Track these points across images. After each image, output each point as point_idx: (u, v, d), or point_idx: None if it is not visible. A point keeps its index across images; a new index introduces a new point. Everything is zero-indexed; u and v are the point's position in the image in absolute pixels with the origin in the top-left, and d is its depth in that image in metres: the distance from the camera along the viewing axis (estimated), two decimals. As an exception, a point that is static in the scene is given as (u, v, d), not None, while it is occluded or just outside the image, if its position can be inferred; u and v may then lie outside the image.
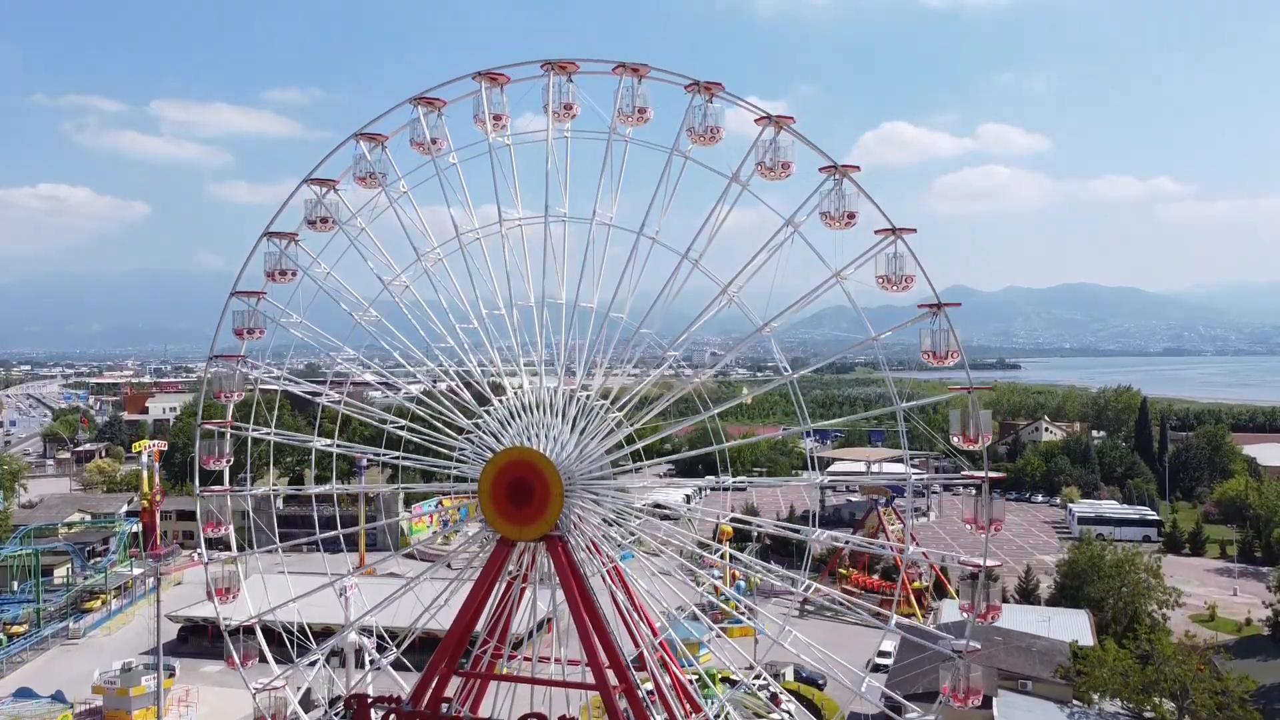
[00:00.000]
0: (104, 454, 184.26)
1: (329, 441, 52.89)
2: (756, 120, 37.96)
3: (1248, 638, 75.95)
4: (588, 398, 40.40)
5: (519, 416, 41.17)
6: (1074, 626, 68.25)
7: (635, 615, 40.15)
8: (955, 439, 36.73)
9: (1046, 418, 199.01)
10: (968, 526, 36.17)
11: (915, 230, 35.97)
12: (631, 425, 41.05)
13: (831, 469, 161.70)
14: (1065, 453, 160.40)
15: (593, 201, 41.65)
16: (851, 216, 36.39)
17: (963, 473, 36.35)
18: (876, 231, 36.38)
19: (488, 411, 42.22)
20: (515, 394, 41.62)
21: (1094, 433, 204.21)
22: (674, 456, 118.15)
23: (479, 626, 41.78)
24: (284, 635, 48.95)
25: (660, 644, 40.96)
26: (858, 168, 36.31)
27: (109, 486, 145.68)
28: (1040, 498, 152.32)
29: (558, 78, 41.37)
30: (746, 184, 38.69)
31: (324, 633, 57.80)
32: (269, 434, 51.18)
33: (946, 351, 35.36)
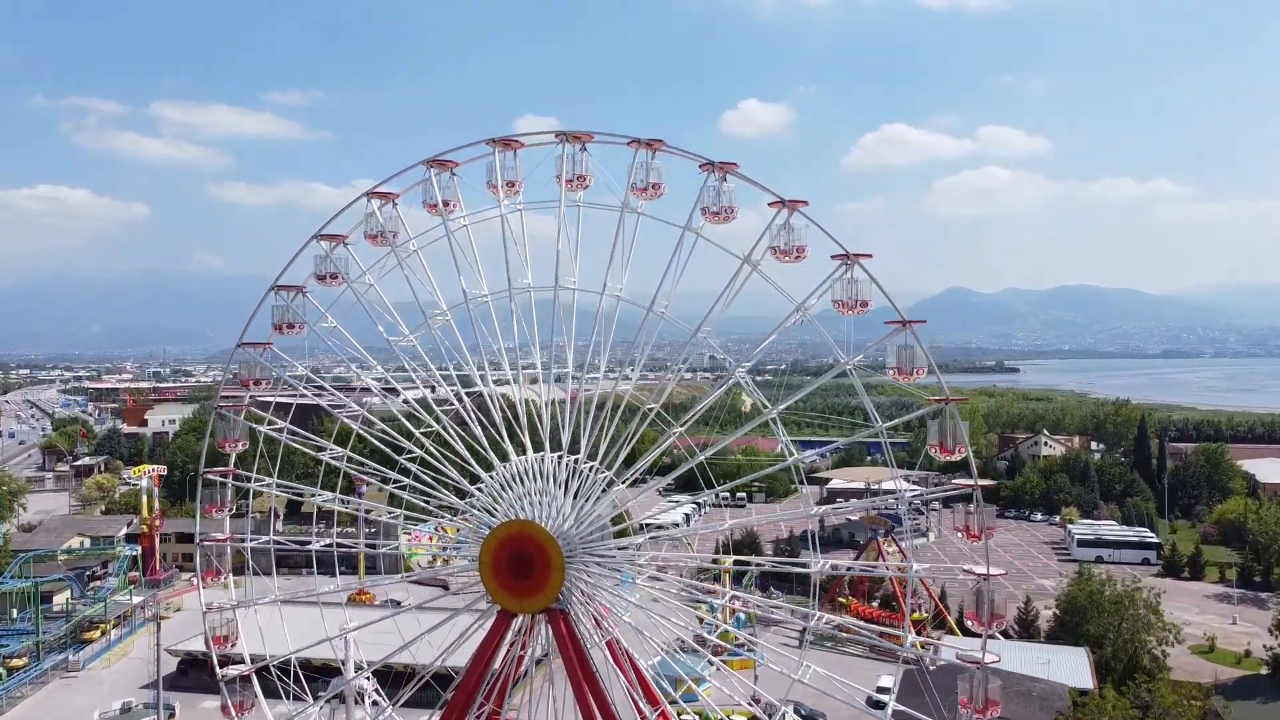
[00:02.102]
0: (103, 468, 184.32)
1: (330, 494, 53.37)
2: (770, 204, 38.05)
3: (1247, 677, 75.97)
4: (592, 469, 40.42)
5: (521, 482, 41.21)
6: (1073, 667, 68.23)
7: (637, 690, 40.08)
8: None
9: (1045, 431, 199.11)
10: (970, 623, 36.22)
11: (925, 321, 36.13)
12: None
13: (829, 486, 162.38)
14: (1064, 470, 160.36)
15: (601, 269, 42.04)
16: (865, 304, 36.54)
17: (965, 567, 36.31)
18: (887, 322, 36.50)
19: (492, 476, 42.30)
20: (517, 462, 41.64)
21: (1093, 444, 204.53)
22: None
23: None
24: (284, 674, 49.00)
25: (661, 714, 40.91)
26: (870, 255, 36.54)
27: (108, 505, 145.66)
28: (1039, 516, 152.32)
29: (571, 147, 41.45)
30: (757, 265, 38.83)
31: (324, 669, 58.05)
32: (271, 484, 51.47)
33: (955, 446, 35.44)
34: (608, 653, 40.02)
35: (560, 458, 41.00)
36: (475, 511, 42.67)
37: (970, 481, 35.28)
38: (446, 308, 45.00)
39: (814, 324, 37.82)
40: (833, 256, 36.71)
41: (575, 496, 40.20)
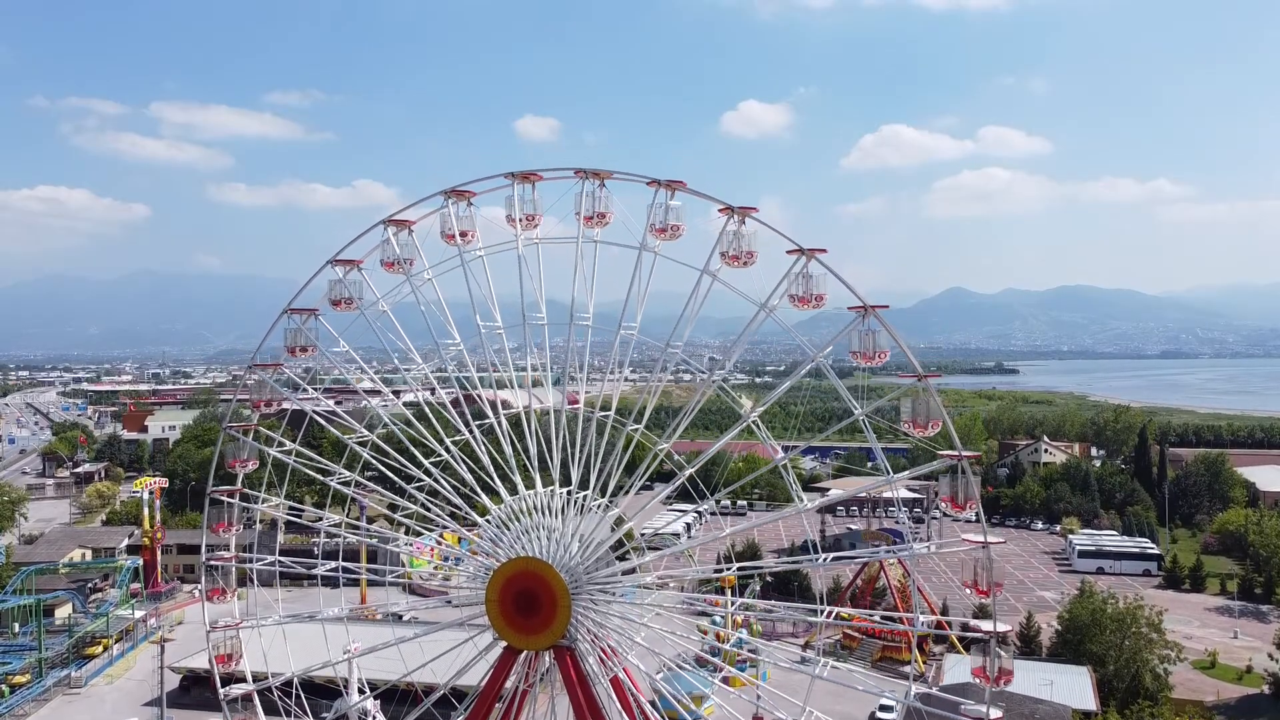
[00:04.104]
0: (103, 475, 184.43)
1: (337, 519, 53.72)
2: (789, 251, 38.04)
3: (1248, 697, 76.00)
4: (601, 506, 40.56)
5: (528, 516, 41.37)
6: (1076, 687, 68.16)
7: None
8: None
9: (1045, 438, 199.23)
10: (975, 678, 36.28)
11: (940, 375, 36.19)
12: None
13: (830, 494, 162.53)
14: (1065, 478, 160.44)
15: (610, 293, 42.33)
16: (883, 355, 36.64)
17: (971, 622, 36.45)
18: (903, 375, 36.54)
19: (499, 506, 42.48)
20: (525, 495, 41.80)
21: (1093, 450, 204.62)
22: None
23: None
24: (286, 694, 49.08)
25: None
26: (886, 305, 36.67)
27: (109, 514, 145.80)
28: (1040, 524, 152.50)
29: (591, 184, 41.66)
30: (772, 311, 38.96)
31: (327, 686, 58.16)
32: (278, 504, 51.75)
33: (965, 501, 35.51)
34: (613, 690, 40.03)
35: (569, 493, 41.14)
36: (481, 542, 42.77)
37: (980, 538, 35.18)
38: (459, 338, 45.28)
39: (827, 371, 37.89)
40: (850, 308, 36.73)
41: (580, 530, 40.26)
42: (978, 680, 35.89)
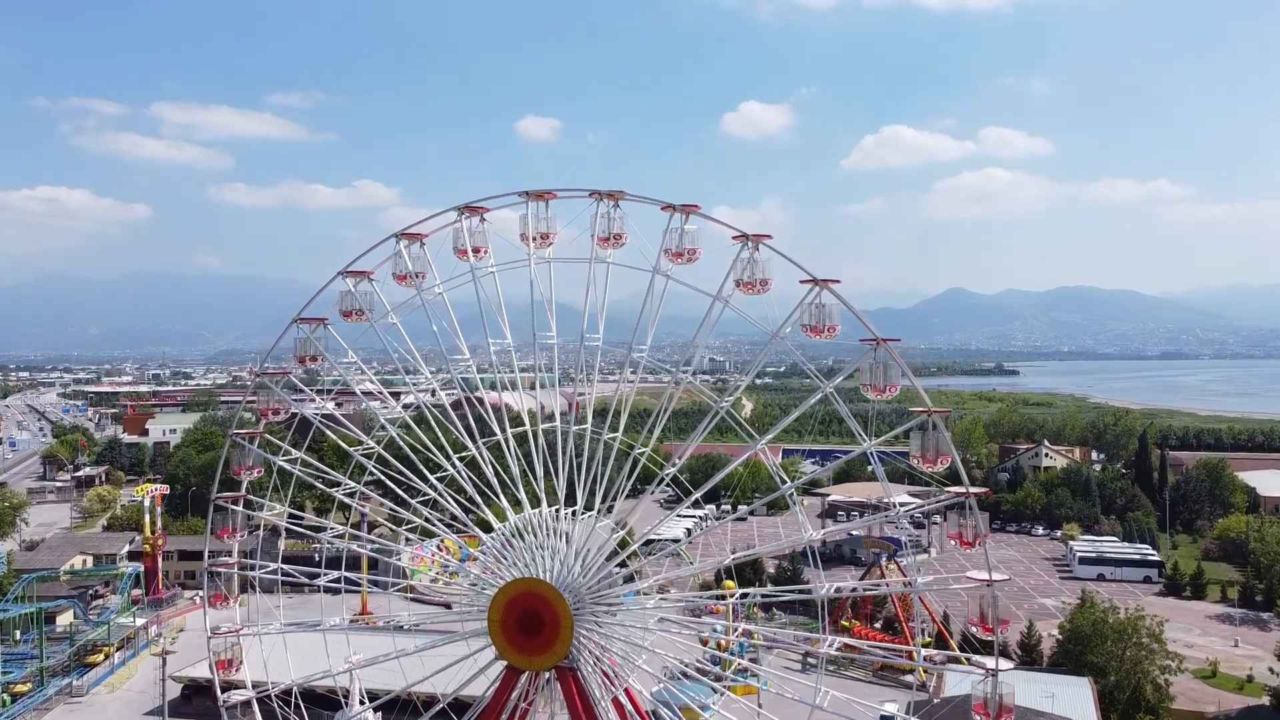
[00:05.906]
0: (104, 479, 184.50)
1: (340, 527, 53.83)
2: (801, 281, 38.07)
3: (1249, 708, 75.97)
4: (609, 528, 40.71)
5: (530, 535, 41.42)
6: (1077, 699, 68.12)
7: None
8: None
9: (1046, 442, 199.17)
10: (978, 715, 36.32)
11: (949, 411, 36.29)
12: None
13: (830, 500, 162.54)
14: (1065, 483, 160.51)
15: (622, 300, 42.43)
16: (894, 387, 36.60)
17: (972, 658, 36.42)
18: (913, 410, 36.66)
19: (503, 525, 42.57)
20: (529, 514, 41.89)
21: (1094, 454, 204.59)
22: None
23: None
24: (286, 699, 49.17)
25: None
26: (898, 339, 36.74)
27: (110, 519, 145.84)
28: (1041, 530, 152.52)
29: (605, 204, 41.75)
30: (784, 339, 39.14)
31: (328, 694, 58.14)
32: (282, 512, 51.94)
33: (974, 538, 35.48)
34: (614, 712, 40.08)
35: (574, 512, 41.20)
36: (483, 557, 42.85)
37: (984, 577, 35.11)
38: (469, 354, 45.44)
39: (836, 402, 37.95)
40: (861, 340, 36.72)
41: (583, 551, 40.30)
42: (978, 717, 35.83)
